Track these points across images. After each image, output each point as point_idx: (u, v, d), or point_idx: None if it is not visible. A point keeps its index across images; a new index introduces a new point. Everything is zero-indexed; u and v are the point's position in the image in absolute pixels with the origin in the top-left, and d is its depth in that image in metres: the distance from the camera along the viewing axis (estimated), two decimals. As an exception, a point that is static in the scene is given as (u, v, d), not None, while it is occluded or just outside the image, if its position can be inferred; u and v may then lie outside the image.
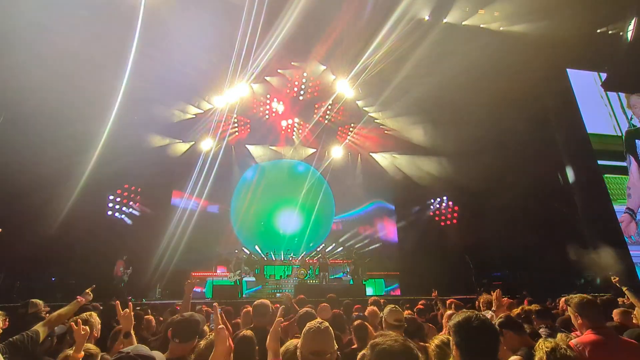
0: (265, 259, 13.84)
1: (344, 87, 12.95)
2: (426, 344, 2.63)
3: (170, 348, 2.04)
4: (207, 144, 14.16)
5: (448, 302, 4.74)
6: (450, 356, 1.67)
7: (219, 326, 1.64)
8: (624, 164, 11.41)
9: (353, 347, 2.69)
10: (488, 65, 10.49)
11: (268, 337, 1.78)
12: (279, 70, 13.09)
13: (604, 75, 12.41)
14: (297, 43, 11.01)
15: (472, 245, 12.83)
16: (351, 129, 15.56)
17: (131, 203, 13.12)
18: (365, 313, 3.80)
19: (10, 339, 2.12)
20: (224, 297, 8.88)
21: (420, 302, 5.13)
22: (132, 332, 2.27)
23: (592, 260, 9.41)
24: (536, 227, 10.81)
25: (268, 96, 14.37)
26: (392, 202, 15.92)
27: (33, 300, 3.47)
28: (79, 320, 2.18)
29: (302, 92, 14.24)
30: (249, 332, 2.30)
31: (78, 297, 2.77)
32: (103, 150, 10.16)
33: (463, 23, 10.47)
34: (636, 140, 11.73)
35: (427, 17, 10.39)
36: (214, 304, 1.90)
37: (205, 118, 13.62)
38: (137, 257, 11.05)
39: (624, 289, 3.10)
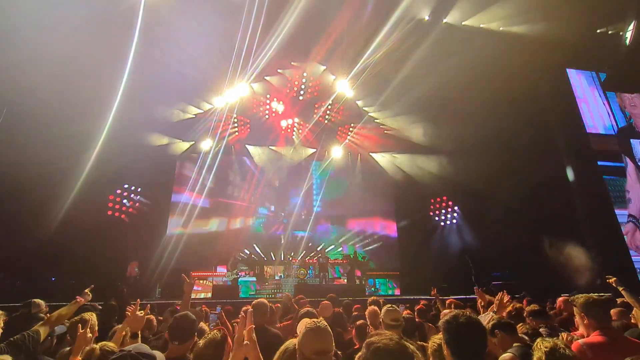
0: (265, 258, 13.85)
1: (344, 87, 12.96)
2: (425, 344, 2.64)
3: (169, 348, 2.05)
4: (207, 144, 14.18)
5: (448, 302, 4.75)
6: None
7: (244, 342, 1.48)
8: (622, 164, 11.40)
9: (355, 347, 2.70)
10: (488, 65, 10.49)
11: (232, 350, 1.57)
12: (279, 70, 13.10)
13: (603, 76, 12.41)
14: (297, 43, 11.01)
15: (472, 245, 12.85)
16: (351, 129, 15.56)
17: (131, 202, 13.13)
18: (365, 313, 3.81)
19: (11, 339, 2.13)
20: (224, 297, 8.90)
21: (421, 302, 5.13)
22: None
23: (567, 258, 9.51)
24: (536, 227, 10.81)
25: (268, 96, 14.38)
26: (392, 202, 15.93)
27: (34, 300, 3.48)
28: (81, 324, 2.21)
29: (302, 92, 14.25)
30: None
31: (77, 297, 2.78)
32: (103, 150, 10.17)
33: (463, 23, 10.46)
34: (631, 140, 11.72)
35: (427, 17, 10.39)
36: (245, 308, 1.82)
37: (205, 118, 13.63)
38: (136, 256, 11.07)
39: (620, 289, 3.09)
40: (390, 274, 13.39)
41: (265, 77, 13.17)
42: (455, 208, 14.97)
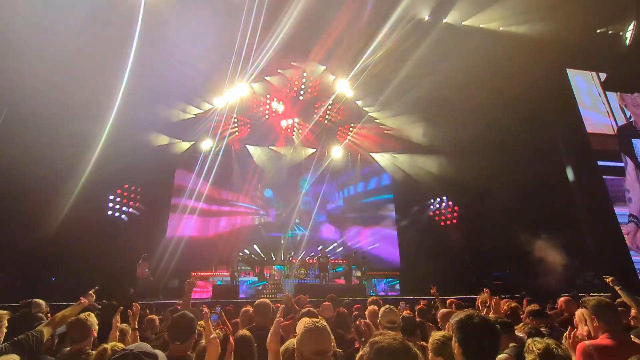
0: (265, 258, 13.85)
1: (344, 87, 12.96)
2: (426, 344, 2.64)
3: (170, 348, 2.06)
4: (207, 144, 14.18)
5: (448, 302, 4.76)
6: (449, 350, 1.68)
7: (211, 336, 1.70)
8: (622, 164, 11.40)
9: (356, 346, 2.71)
10: (488, 65, 10.50)
11: (268, 337, 1.77)
12: (279, 70, 13.10)
13: (603, 76, 12.42)
14: (297, 43, 11.01)
15: (472, 245, 12.85)
16: (351, 129, 15.57)
17: (131, 203, 13.13)
18: (366, 313, 3.81)
19: (15, 339, 2.14)
20: (224, 297, 8.91)
21: (422, 303, 5.14)
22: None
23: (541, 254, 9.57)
24: (536, 227, 10.82)
25: (268, 96, 14.38)
26: (392, 201, 15.93)
27: (35, 300, 3.49)
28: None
29: (302, 92, 14.25)
30: (247, 332, 2.31)
31: (81, 298, 2.78)
32: (103, 150, 10.17)
33: (463, 23, 10.47)
34: (632, 140, 11.72)
35: (427, 17, 10.39)
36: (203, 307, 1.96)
37: (205, 118, 13.63)
38: (137, 256, 11.06)
39: (617, 288, 3.09)
40: (390, 274, 13.40)
41: (265, 77, 13.17)
42: (455, 208, 14.97)
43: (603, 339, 2.04)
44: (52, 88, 8.74)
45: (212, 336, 1.70)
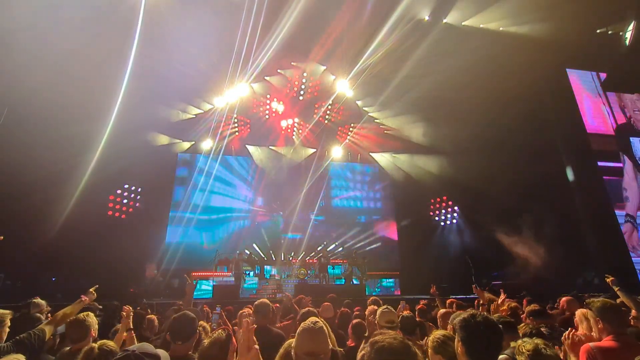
0: (265, 258, 13.85)
1: (344, 87, 12.97)
2: (424, 343, 2.64)
3: (172, 348, 2.06)
4: (207, 144, 14.19)
5: (448, 302, 4.76)
6: (448, 349, 1.69)
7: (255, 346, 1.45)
8: (622, 164, 11.40)
9: (351, 345, 2.71)
10: (488, 65, 10.50)
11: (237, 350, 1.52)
12: (279, 70, 13.11)
13: (603, 76, 12.42)
14: (297, 43, 11.01)
15: (472, 245, 12.86)
16: (351, 129, 15.57)
17: (132, 203, 13.13)
18: (366, 312, 3.82)
19: (17, 337, 2.14)
20: (224, 297, 8.90)
21: (421, 303, 5.13)
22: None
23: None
24: (536, 227, 10.82)
25: (268, 96, 14.39)
26: (392, 202, 15.94)
27: (35, 300, 3.49)
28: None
29: (302, 92, 14.25)
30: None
31: (82, 296, 2.78)
32: (104, 151, 10.18)
33: (463, 23, 10.47)
34: (630, 138, 11.72)
35: (427, 17, 10.40)
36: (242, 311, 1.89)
37: (205, 118, 13.64)
38: (137, 257, 11.07)
39: (616, 289, 3.09)
40: (390, 274, 13.40)
41: (265, 77, 13.17)
42: (455, 208, 14.97)
43: (607, 341, 2.02)
44: (52, 89, 8.74)
45: (255, 346, 1.45)
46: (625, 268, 9.83)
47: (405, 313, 3.10)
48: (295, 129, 15.65)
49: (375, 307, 3.47)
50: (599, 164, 11.18)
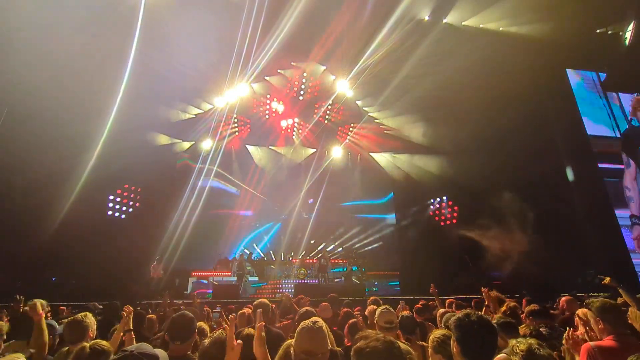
0: (265, 258, 13.86)
1: (344, 87, 12.96)
2: (425, 344, 2.64)
3: (170, 348, 2.06)
4: (207, 144, 14.19)
5: (448, 302, 4.76)
6: (448, 348, 1.69)
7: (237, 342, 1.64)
8: (622, 166, 11.38)
9: (348, 345, 2.71)
10: (488, 66, 10.49)
11: (254, 343, 1.74)
12: (279, 70, 13.11)
13: (603, 76, 12.41)
14: (297, 43, 11.00)
15: (472, 245, 12.83)
16: (351, 129, 15.57)
17: (131, 203, 13.13)
18: (365, 312, 3.82)
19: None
20: (224, 297, 8.91)
21: (420, 302, 5.13)
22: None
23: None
24: (536, 227, 10.81)
25: (268, 96, 14.39)
26: (392, 201, 15.93)
27: (35, 300, 3.48)
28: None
29: (302, 92, 14.25)
30: (252, 330, 2.32)
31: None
32: (103, 151, 10.17)
33: (463, 23, 10.47)
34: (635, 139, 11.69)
35: (427, 17, 10.39)
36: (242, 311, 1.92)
37: (205, 118, 13.64)
38: (137, 257, 11.07)
39: (618, 288, 3.08)
40: (390, 274, 13.40)
41: (265, 77, 13.17)
42: (455, 208, 14.96)
43: (607, 341, 2.02)
44: (52, 88, 8.73)
45: (238, 342, 1.65)
46: (625, 268, 9.82)
47: (405, 313, 3.10)
48: (295, 129, 15.66)
49: (375, 307, 3.47)
50: (599, 165, 11.17)
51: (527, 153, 11.38)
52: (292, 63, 12.86)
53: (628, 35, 9.93)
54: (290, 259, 13.49)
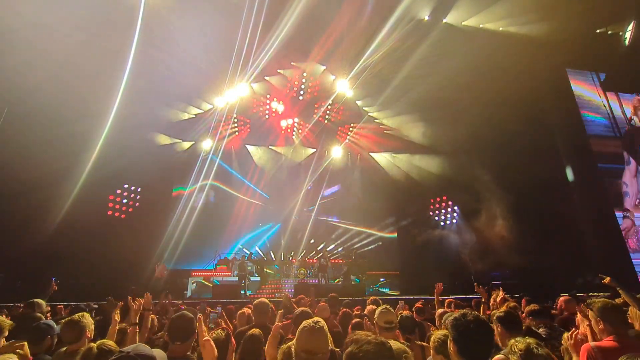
0: (265, 258, 13.86)
1: (344, 87, 12.96)
2: (424, 343, 2.64)
3: (170, 348, 2.06)
4: (207, 144, 14.19)
5: (447, 301, 4.76)
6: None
7: (204, 338, 1.71)
8: (622, 166, 11.39)
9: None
10: (488, 66, 10.49)
11: (267, 343, 1.78)
12: (279, 70, 13.10)
13: (603, 76, 12.41)
14: (297, 43, 11.01)
15: (472, 246, 12.84)
16: (351, 129, 15.57)
17: (131, 202, 13.14)
18: (365, 312, 3.83)
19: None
20: (224, 297, 8.91)
21: (420, 302, 5.13)
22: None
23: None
24: (536, 227, 10.81)
25: (268, 96, 14.39)
26: (392, 201, 15.91)
27: (35, 300, 3.49)
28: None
29: (302, 92, 14.25)
30: (257, 331, 2.33)
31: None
32: (103, 150, 10.18)
33: (463, 23, 10.47)
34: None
35: (427, 17, 10.39)
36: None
37: (205, 118, 13.64)
38: (137, 256, 11.07)
39: (618, 288, 3.08)
40: (390, 274, 13.40)
41: (265, 77, 13.17)
42: (455, 208, 14.96)
43: (608, 341, 2.01)
44: (52, 88, 8.74)
45: (204, 339, 1.70)
46: (625, 268, 9.82)
47: (405, 313, 3.10)
48: (295, 129, 15.66)
49: (375, 307, 3.47)
50: (599, 165, 11.17)
51: (527, 153, 11.38)
52: (292, 63, 12.86)
53: (628, 35, 9.94)
54: (290, 259, 13.49)
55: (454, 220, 14.91)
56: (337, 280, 12.48)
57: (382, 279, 13.35)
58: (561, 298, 4.01)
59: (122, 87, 9.81)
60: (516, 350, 1.52)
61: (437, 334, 1.95)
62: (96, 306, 4.60)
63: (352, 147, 16.10)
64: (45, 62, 8.51)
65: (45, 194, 9.44)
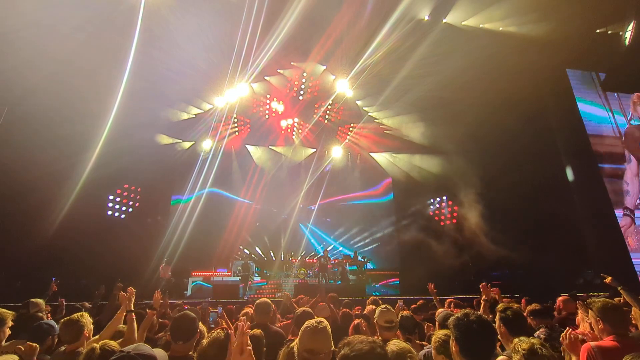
0: (266, 258, 13.86)
1: (344, 87, 12.96)
2: (424, 343, 2.65)
3: (172, 348, 2.06)
4: (207, 144, 14.19)
5: (447, 301, 4.76)
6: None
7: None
8: (622, 166, 11.39)
9: None
10: (488, 65, 10.48)
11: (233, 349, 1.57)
12: (278, 70, 13.10)
13: (603, 76, 12.41)
14: (297, 43, 11.00)
15: (471, 245, 12.84)
16: (351, 129, 15.58)
17: (131, 203, 13.14)
18: (365, 312, 3.83)
19: None
20: (225, 297, 8.91)
21: (419, 302, 5.14)
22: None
23: None
24: (536, 227, 10.81)
25: (268, 96, 14.39)
26: (392, 201, 15.93)
27: (33, 300, 3.49)
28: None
29: (302, 92, 14.25)
30: (257, 331, 2.33)
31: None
32: (103, 150, 10.17)
33: (463, 23, 10.46)
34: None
35: (426, 17, 10.39)
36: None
37: (205, 118, 13.64)
38: (137, 256, 11.07)
39: (619, 288, 3.08)
40: (390, 274, 13.40)
41: (265, 77, 13.17)
42: (455, 208, 14.96)
43: (607, 341, 2.01)
44: (51, 88, 8.74)
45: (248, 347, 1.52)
46: (625, 268, 9.82)
47: (405, 313, 3.11)
48: (295, 129, 15.65)
49: (374, 307, 3.47)
50: (600, 165, 11.18)
51: (527, 153, 11.38)
52: (292, 63, 12.85)
53: (628, 35, 9.92)
54: (291, 259, 13.49)
55: (454, 220, 14.91)
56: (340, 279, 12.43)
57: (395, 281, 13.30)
58: (559, 298, 4.02)
59: (122, 87, 9.80)
60: (520, 349, 1.53)
61: (438, 334, 1.94)
62: (90, 305, 4.60)
63: (352, 147, 16.10)
64: (46, 62, 8.50)
65: (45, 194, 9.44)
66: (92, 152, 10.05)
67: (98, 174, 10.18)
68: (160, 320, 3.96)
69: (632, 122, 12.11)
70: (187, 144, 14.36)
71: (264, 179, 15.56)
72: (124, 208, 12.93)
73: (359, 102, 14.09)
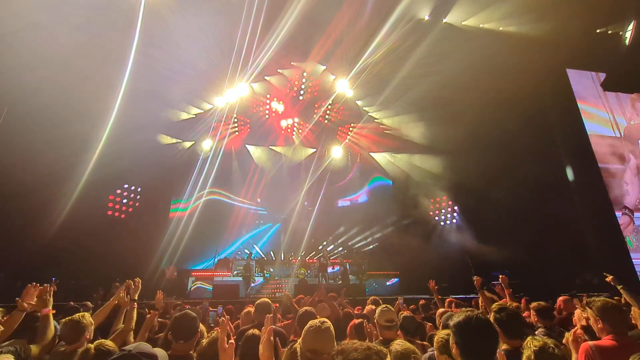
0: (266, 258, 13.85)
1: (344, 87, 12.96)
2: (425, 343, 2.65)
3: (173, 347, 2.06)
4: (207, 144, 14.20)
5: (447, 301, 4.76)
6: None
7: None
8: (622, 166, 11.39)
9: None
10: (488, 65, 10.49)
11: (260, 347, 1.74)
12: (278, 70, 13.10)
13: (603, 76, 12.40)
14: (297, 43, 11.01)
15: (471, 245, 12.85)
16: (351, 129, 15.58)
17: (131, 203, 13.14)
18: (365, 312, 3.83)
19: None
20: (224, 297, 8.91)
21: (420, 302, 5.14)
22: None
23: None
24: (536, 227, 10.82)
25: (268, 96, 14.39)
26: (392, 201, 15.92)
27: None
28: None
29: (302, 92, 14.25)
30: (257, 331, 2.33)
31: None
32: (103, 150, 10.18)
33: (463, 23, 10.47)
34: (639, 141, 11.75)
35: (426, 17, 10.39)
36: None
37: (205, 118, 13.64)
38: (138, 256, 11.07)
39: (619, 287, 3.08)
40: (390, 274, 13.40)
41: (265, 77, 13.17)
42: (455, 208, 14.97)
43: (606, 340, 2.01)
44: (52, 88, 8.74)
45: (230, 342, 1.66)
46: (625, 268, 9.82)
47: (406, 313, 3.11)
48: (295, 128, 15.66)
49: (374, 307, 3.47)
50: (600, 165, 11.18)
51: (527, 153, 11.39)
52: (292, 63, 12.85)
53: (628, 35, 9.92)
54: (291, 259, 13.49)
55: (454, 220, 14.92)
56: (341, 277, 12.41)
57: (394, 280, 13.28)
58: (560, 298, 4.01)
59: (122, 87, 9.81)
60: (531, 345, 1.52)
61: (440, 334, 1.94)
62: (93, 306, 4.60)
63: (352, 147, 16.10)
64: (45, 63, 8.50)
65: (45, 195, 9.45)
66: (93, 152, 10.06)
67: (98, 174, 10.19)
68: (160, 320, 3.96)
69: (632, 122, 12.12)
70: (187, 144, 14.37)
71: (264, 179, 15.56)
72: (124, 208, 12.93)
73: (359, 102, 14.09)
